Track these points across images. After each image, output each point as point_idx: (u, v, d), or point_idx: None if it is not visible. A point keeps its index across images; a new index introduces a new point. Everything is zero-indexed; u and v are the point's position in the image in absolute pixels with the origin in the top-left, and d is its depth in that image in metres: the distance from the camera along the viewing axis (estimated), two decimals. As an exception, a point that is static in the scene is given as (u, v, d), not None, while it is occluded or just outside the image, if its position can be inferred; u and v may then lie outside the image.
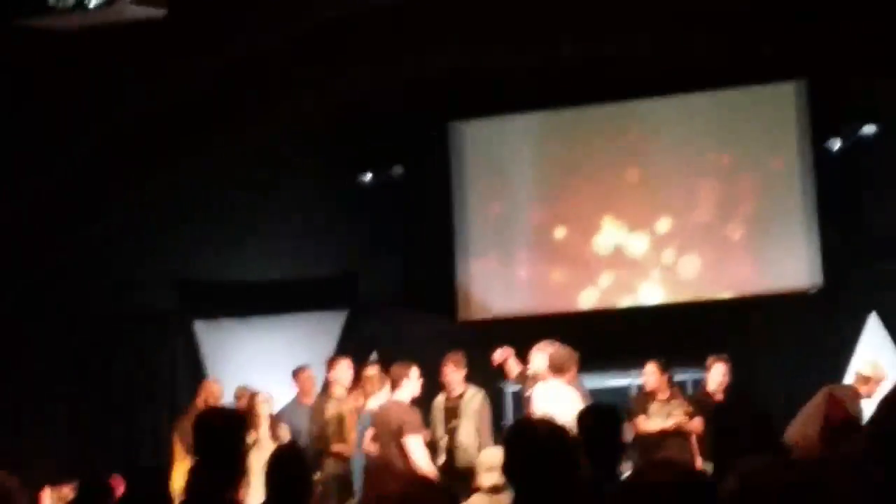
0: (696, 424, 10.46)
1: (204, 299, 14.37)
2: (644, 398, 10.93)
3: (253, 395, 10.79)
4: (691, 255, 13.79)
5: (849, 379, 10.76)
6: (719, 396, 10.48)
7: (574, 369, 10.09)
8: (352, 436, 10.31)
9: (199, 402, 11.16)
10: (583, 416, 5.97)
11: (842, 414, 5.94)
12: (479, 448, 9.84)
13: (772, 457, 4.17)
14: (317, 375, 11.87)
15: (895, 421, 1.52)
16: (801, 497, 3.36)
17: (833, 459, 4.01)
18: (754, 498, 3.75)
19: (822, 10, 11.72)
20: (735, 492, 2.85)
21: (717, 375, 10.62)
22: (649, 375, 10.87)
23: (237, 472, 4.99)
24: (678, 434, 10.48)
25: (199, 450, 5.20)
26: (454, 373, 10.79)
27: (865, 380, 9.36)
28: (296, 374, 11.81)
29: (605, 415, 6.04)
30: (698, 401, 10.58)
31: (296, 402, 11.65)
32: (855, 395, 9.16)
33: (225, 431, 5.06)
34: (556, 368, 9.75)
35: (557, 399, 9.31)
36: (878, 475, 1.65)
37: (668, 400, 10.70)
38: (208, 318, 14.35)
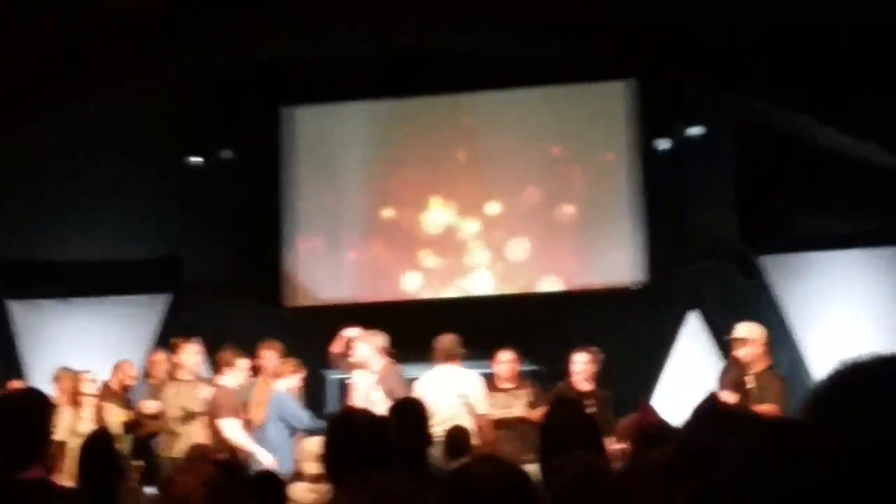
0: (536, 415, 10.36)
1: (19, 279, 13.95)
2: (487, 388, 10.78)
3: (76, 376, 10.52)
4: (519, 245, 13.94)
5: (668, 376, 10.99)
6: (583, 387, 10.40)
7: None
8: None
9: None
10: (391, 411, 5.98)
11: (654, 420, 6.02)
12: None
13: (592, 456, 4.20)
14: (135, 360, 11.70)
15: (705, 433, 1.50)
16: (606, 498, 3.39)
17: (640, 466, 4.04)
18: (558, 496, 3.77)
19: (656, 11, 11.91)
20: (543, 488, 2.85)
21: (578, 366, 10.46)
22: (505, 364, 10.62)
23: (39, 453, 4.82)
24: (520, 426, 10.26)
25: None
26: (271, 360, 10.68)
27: (742, 342, 9.38)
28: (148, 354, 11.71)
29: (409, 409, 6.06)
30: (559, 392, 10.42)
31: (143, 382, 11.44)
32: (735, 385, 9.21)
33: (25, 413, 4.89)
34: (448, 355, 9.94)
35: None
36: (684, 485, 1.62)
37: (514, 390, 10.53)
38: (24, 299, 13.94)
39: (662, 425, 5.47)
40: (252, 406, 10.14)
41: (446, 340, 10.11)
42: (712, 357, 12.24)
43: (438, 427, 9.47)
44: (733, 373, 9.22)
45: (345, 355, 10.30)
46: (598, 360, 10.43)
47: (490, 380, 10.39)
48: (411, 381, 10.25)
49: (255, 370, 10.34)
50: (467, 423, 9.44)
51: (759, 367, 9.03)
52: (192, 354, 10.68)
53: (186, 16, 11.61)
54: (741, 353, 9.13)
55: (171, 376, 10.75)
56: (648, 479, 1.63)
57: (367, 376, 9.84)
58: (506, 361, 10.53)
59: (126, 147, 13.77)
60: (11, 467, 4.58)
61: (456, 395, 9.79)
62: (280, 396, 10.02)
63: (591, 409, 10.02)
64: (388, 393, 9.37)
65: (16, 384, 11.10)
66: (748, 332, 9.26)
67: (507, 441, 9.68)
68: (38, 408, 4.91)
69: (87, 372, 10.72)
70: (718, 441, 1.50)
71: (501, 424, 10.07)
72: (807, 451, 1.48)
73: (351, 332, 10.32)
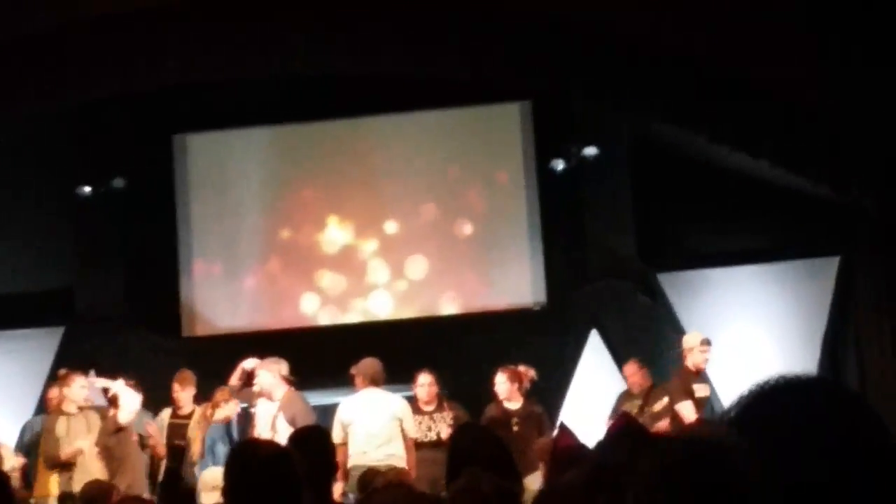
0: None
1: None
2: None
3: None
4: (418, 266, 13.93)
5: (572, 395, 11.05)
6: (511, 406, 10.34)
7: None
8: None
9: None
10: (291, 440, 5.89)
11: (569, 442, 6.03)
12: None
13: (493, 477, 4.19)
14: (30, 394, 11.46)
15: (621, 450, 1.49)
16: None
17: (554, 488, 4.03)
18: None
19: (546, 33, 12.01)
20: None
21: (497, 386, 10.40)
22: (424, 386, 10.53)
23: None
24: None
25: None
26: (181, 392, 10.55)
27: (690, 350, 9.56)
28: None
29: (312, 437, 5.97)
30: (492, 416, 10.32)
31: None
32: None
33: None
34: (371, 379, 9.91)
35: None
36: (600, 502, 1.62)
37: (435, 412, 10.44)
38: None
39: (577, 447, 5.48)
40: (191, 440, 10.05)
41: (370, 364, 10.04)
42: (610, 372, 12.36)
43: (379, 451, 9.46)
44: (678, 381, 9.41)
45: (246, 385, 10.18)
46: (518, 377, 10.41)
47: (411, 402, 10.31)
48: (315, 407, 10.17)
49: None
50: (401, 446, 9.45)
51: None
52: (78, 387, 10.38)
53: (77, 42, 11.43)
54: (688, 361, 9.43)
55: (58, 409, 10.46)
56: (564, 499, 1.62)
57: (270, 405, 9.74)
58: (425, 384, 10.50)
59: (15, 177, 13.48)
60: None
61: (391, 417, 9.74)
62: (220, 428, 9.93)
63: (515, 428, 10.06)
64: (292, 421, 9.28)
65: None
66: (687, 341, 9.61)
67: (430, 464, 9.59)
68: None
69: None
70: (631, 460, 1.48)
71: (422, 447, 10.02)
72: (715, 465, 1.48)
73: (249, 362, 10.20)
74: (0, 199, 13.53)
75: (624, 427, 3.87)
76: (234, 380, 10.30)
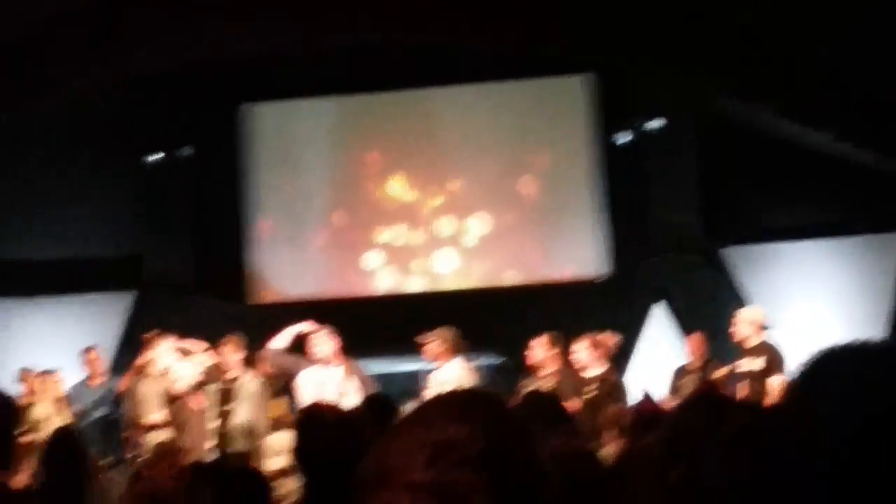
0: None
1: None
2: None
3: (43, 375, 10.46)
4: (481, 237, 13.96)
5: (635, 367, 11.05)
6: (590, 373, 10.30)
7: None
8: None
9: None
10: (366, 405, 6.01)
11: (650, 407, 6.08)
12: (253, 434, 9.90)
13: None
14: (104, 357, 11.65)
15: (699, 416, 1.52)
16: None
17: (634, 452, 4.07)
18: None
19: (614, 4, 11.97)
20: None
21: (574, 355, 10.24)
22: (539, 348, 10.48)
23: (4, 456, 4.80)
24: None
25: None
26: (231, 354, 10.61)
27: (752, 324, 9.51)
28: (84, 354, 11.44)
29: (385, 402, 6.10)
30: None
31: (83, 383, 11.32)
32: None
33: None
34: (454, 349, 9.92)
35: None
36: (676, 470, 1.64)
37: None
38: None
39: (658, 412, 5.53)
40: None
41: (452, 334, 10.06)
42: (676, 345, 12.31)
43: None
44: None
45: (289, 351, 10.26)
46: (598, 344, 10.21)
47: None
48: (377, 375, 10.28)
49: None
50: None
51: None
52: (163, 350, 10.55)
53: (146, 11, 11.56)
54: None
55: (142, 372, 10.64)
56: (642, 464, 1.65)
57: (332, 371, 9.82)
58: (539, 346, 10.44)
59: (88, 146, 13.68)
60: None
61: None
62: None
63: (589, 395, 9.96)
64: (360, 386, 9.42)
65: None
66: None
67: None
68: (3, 410, 4.88)
69: (54, 371, 10.66)
70: (709, 426, 1.51)
71: None
72: (791, 436, 1.51)
73: (304, 326, 10.27)
74: (71, 165, 13.74)
75: (705, 394, 3.90)
76: (279, 342, 10.34)
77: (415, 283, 14.03)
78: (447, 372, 9.99)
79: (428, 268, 14.05)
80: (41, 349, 12.60)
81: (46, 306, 13.78)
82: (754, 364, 9.32)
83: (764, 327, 9.57)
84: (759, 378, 9.11)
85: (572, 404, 8.94)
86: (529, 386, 10.55)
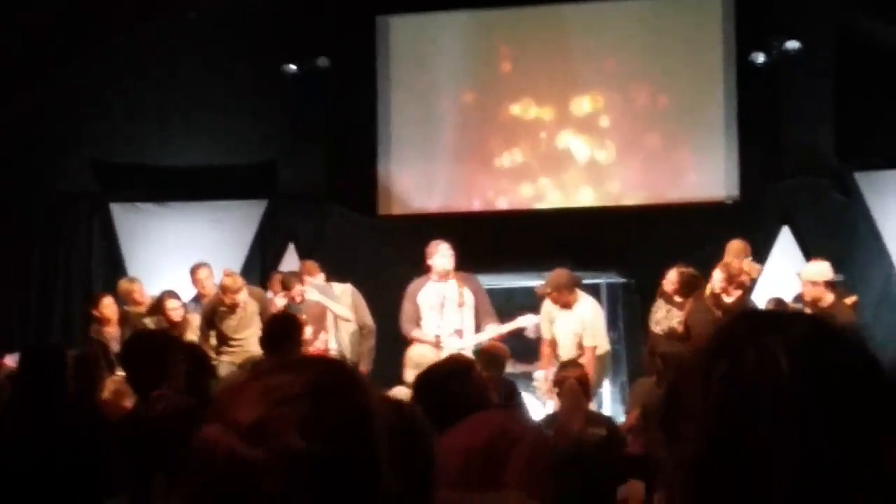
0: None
1: (120, 182, 14.26)
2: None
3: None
4: (610, 159, 13.92)
5: (759, 291, 10.97)
6: None
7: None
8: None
9: (104, 311, 11.08)
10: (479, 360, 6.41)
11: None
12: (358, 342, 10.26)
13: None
14: (232, 265, 11.95)
15: (746, 323, 1.53)
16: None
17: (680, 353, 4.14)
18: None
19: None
20: None
21: (715, 281, 10.15)
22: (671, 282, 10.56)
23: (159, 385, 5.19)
24: None
25: (127, 368, 5.58)
26: (310, 278, 10.79)
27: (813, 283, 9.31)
28: (194, 272, 11.55)
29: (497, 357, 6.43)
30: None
31: (194, 299, 11.53)
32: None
33: (151, 353, 5.29)
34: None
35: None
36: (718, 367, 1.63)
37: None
38: (125, 201, 14.27)
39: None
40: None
41: (565, 277, 10.19)
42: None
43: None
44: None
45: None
46: (734, 274, 10.05)
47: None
48: (498, 290, 10.46)
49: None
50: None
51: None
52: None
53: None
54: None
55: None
56: (684, 363, 1.67)
57: (445, 285, 9.94)
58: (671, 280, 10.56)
59: (226, 54, 13.91)
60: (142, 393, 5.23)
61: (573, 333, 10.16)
62: None
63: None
64: (475, 292, 9.72)
65: (131, 289, 11.44)
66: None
67: None
68: (166, 348, 5.38)
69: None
70: (754, 332, 1.54)
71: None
72: (842, 344, 1.52)
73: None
74: (209, 74, 14.00)
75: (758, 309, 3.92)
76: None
77: (541, 201, 14.06)
78: (580, 311, 10.14)
79: (554, 185, 14.06)
80: (175, 254, 12.97)
81: (183, 211, 14.15)
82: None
83: (830, 284, 9.25)
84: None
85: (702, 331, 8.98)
86: (660, 310, 10.64)
